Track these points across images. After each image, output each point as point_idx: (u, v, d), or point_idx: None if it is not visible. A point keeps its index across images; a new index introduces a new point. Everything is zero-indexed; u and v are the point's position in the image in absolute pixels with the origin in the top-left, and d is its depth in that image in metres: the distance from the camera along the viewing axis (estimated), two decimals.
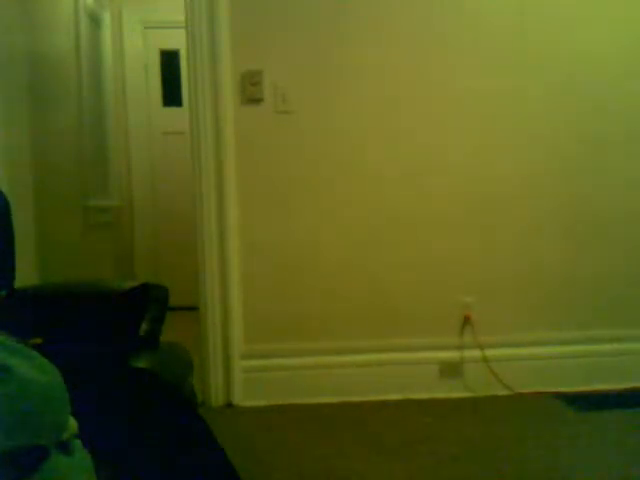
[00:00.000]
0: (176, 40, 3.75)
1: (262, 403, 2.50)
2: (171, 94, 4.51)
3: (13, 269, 1.54)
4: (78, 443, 0.84)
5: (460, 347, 2.57)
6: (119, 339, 1.36)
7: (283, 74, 2.48)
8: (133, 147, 4.52)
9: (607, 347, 2.62)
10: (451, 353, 2.57)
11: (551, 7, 2.55)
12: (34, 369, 0.78)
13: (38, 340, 1.13)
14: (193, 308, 2.56)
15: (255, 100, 2.48)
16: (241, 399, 2.53)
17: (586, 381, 2.58)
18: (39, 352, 0.83)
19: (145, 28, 4.44)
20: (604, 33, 2.58)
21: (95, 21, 3.86)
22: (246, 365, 2.54)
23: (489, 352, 2.54)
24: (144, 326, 1.53)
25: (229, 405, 2.53)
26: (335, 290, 2.55)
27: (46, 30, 3.07)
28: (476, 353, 2.55)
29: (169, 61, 4.50)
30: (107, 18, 4.14)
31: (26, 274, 1.57)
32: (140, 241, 4.58)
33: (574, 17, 2.57)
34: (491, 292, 2.60)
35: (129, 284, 1.60)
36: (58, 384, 0.80)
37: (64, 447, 0.79)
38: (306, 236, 2.53)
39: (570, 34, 2.57)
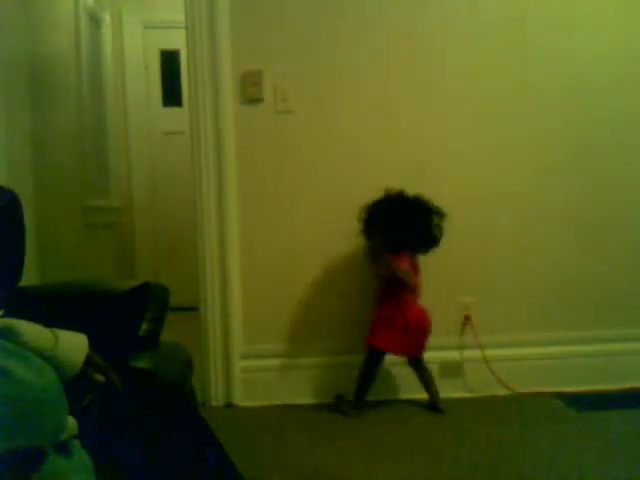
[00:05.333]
0: (176, 40, 3.75)
1: (262, 403, 2.50)
2: (171, 94, 4.51)
3: (20, 271, 1.54)
4: (77, 443, 0.84)
5: (460, 347, 2.57)
6: (119, 339, 1.36)
7: (283, 74, 2.48)
8: (133, 147, 4.51)
9: (607, 347, 2.62)
10: (451, 353, 2.57)
11: (551, 7, 2.56)
12: (31, 371, 0.78)
13: None
14: (193, 308, 2.56)
15: (255, 100, 2.48)
16: (241, 399, 2.53)
17: (586, 381, 2.58)
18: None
19: (145, 28, 4.43)
20: (604, 32, 2.58)
21: (95, 21, 3.86)
22: (246, 365, 2.54)
23: (489, 352, 2.54)
24: (144, 326, 1.52)
25: (229, 405, 2.53)
26: (335, 290, 2.54)
27: (46, 30, 3.07)
28: (476, 353, 2.55)
29: (169, 61, 4.50)
30: (107, 18, 4.13)
31: (26, 274, 1.57)
32: (140, 241, 4.57)
33: (574, 17, 2.57)
34: (491, 292, 2.60)
35: (130, 284, 1.60)
36: (55, 386, 0.80)
37: (63, 448, 0.79)
38: (306, 236, 2.53)
39: (570, 33, 2.57)
